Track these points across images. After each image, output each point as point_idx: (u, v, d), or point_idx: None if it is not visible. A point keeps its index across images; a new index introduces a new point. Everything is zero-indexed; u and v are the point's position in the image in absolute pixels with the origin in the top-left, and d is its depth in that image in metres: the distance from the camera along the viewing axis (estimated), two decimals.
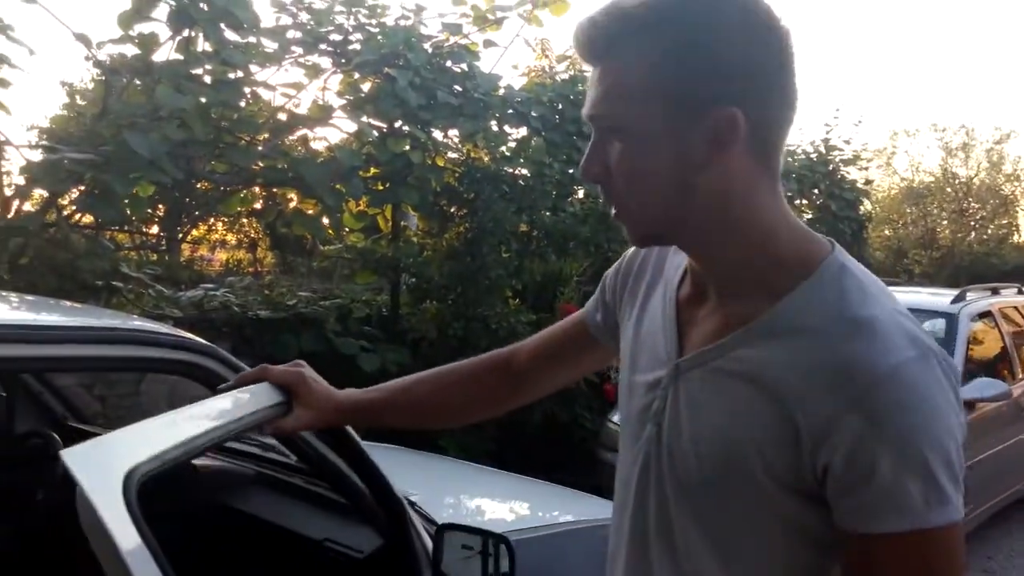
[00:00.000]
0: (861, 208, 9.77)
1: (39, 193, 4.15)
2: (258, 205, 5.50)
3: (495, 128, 5.74)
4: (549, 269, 6.29)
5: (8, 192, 3.90)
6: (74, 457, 0.94)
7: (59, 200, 3.82)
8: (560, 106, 6.23)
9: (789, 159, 8.92)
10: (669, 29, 0.84)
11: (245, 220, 10.44)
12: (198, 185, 4.90)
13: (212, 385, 1.56)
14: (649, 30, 0.84)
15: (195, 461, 2.16)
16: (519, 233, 5.88)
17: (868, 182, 9.89)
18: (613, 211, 0.94)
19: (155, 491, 2.10)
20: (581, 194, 6.47)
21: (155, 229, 6.94)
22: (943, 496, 0.79)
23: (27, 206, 4.21)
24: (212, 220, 10.87)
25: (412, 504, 1.82)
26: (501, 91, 5.67)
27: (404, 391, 1.32)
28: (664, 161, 0.86)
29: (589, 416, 5.47)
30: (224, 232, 12.05)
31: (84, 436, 2.44)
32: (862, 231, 9.75)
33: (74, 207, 4.12)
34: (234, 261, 12.37)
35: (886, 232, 22.68)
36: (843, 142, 9.51)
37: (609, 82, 0.87)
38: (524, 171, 5.91)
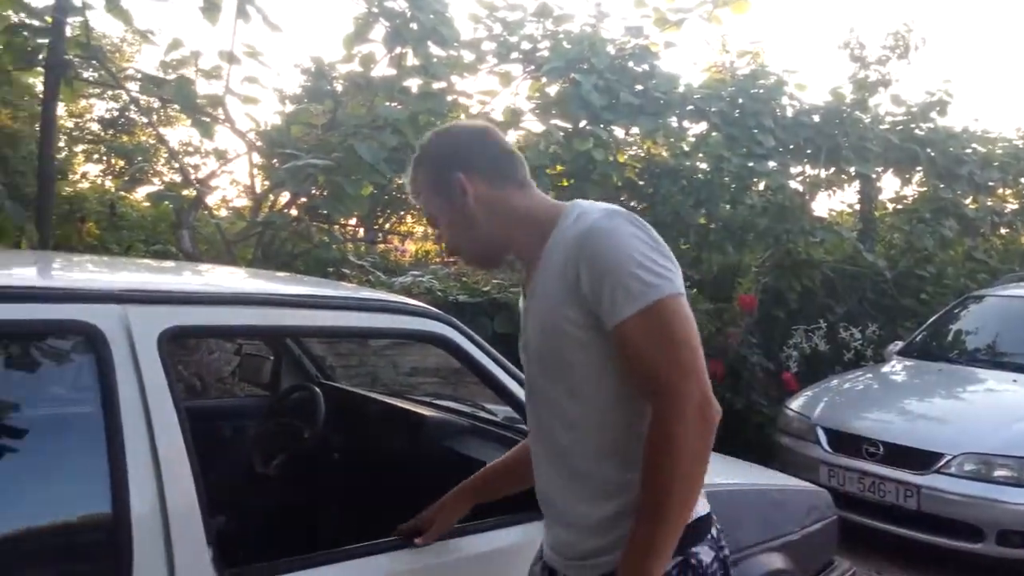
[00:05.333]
0: None
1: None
2: None
3: (674, 124, 5.96)
4: (727, 261, 6.44)
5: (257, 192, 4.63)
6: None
7: (299, 199, 4.51)
8: (740, 100, 6.34)
9: (989, 147, 8.46)
10: (423, 165, 1.54)
11: None
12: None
13: (452, 351, 1.99)
14: (418, 170, 1.56)
15: (424, 411, 2.63)
16: (697, 226, 6.08)
17: None
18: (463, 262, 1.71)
19: (394, 435, 2.61)
20: (761, 186, 6.54)
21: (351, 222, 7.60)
22: (647, 284, 1.30)
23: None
24: (402, 214, 11.71)
25: None
26: (681, 89, 5.88)
27: (485, 480, 1.85)
28: (453, 215, 1.51)
29: (766, 403, 5.60)
30: (412, 225, 12.88)
31: (334, 391, 3.01)
32: None
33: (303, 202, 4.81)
34: (423, 252, 13.14)
35: None
36: None
37: (421, 201, 1.57)
38: (703, 165, 6.09)
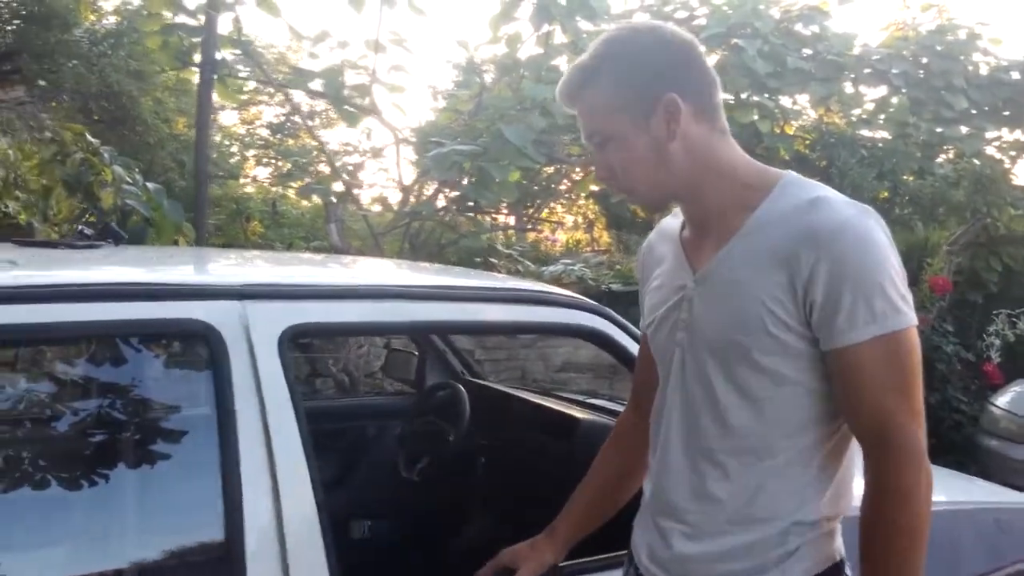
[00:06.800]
0: None
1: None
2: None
3: (850, 90, 5.40)
4: (914, 239, 5.80)
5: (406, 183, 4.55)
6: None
7: (446, 188, 4.38)
8: (925, 60, 5.68)
9: None
10: (609, 66, 1.19)
11: (583, 202, 10.90)
12: (556, 169, 5.28)
13: (606, 345, 1.74)
14: (599, 72, 1.20)
15: (576, 413, 2.40)
16: (880, 200, 5.49)
17: None
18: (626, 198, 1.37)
19: (543, 439, 2.38)
20: (952, 154, 5.84)
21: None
22: (896, 308, 1.10)
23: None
24: (552, 203, 11.57)
25: None
26: (856, 50, 5.31)
27: (587, 506, 1.54)
28: (643, 147, 1.19)
29: (965, 399, 4.98)
30: (563, 215, 12.72)
31: (480, 388, 2.82)
32: None
33: (451, 193, 4.70)
34: (573, 241, 12.97)
35: None
36: None
37: (588, 112, 1.23)
38: (884, 133, 5.50)
